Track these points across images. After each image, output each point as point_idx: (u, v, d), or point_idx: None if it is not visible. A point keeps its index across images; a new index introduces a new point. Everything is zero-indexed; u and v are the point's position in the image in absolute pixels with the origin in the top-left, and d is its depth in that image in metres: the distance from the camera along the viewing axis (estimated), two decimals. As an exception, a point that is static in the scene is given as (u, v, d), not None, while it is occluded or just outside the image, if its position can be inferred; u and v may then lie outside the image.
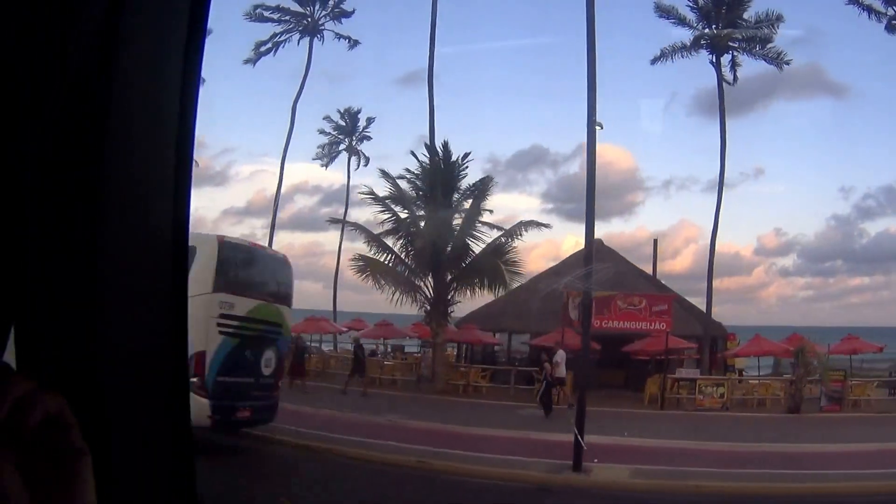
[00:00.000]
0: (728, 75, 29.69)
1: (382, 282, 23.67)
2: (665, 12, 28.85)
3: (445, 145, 28.90)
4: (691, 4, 28.79)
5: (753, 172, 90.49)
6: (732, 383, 22.80)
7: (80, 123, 1.04)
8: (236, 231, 71.76)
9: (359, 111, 41.72)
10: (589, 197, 13.25)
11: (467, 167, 30.61)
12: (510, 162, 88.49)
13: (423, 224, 24.39)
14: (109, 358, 1.10)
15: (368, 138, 42.34)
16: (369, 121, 41.96)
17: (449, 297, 23.96)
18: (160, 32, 1.17)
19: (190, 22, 1.19)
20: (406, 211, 25.09)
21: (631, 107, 75.54)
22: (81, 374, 1.07)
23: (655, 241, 33.73)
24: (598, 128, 13.29)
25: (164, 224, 1.18)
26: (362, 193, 26.58)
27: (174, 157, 1.19)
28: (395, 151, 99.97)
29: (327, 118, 41.75)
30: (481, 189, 25.95)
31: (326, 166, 43.78)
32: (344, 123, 41.63)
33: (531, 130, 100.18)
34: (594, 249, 29.64)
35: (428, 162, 28.97)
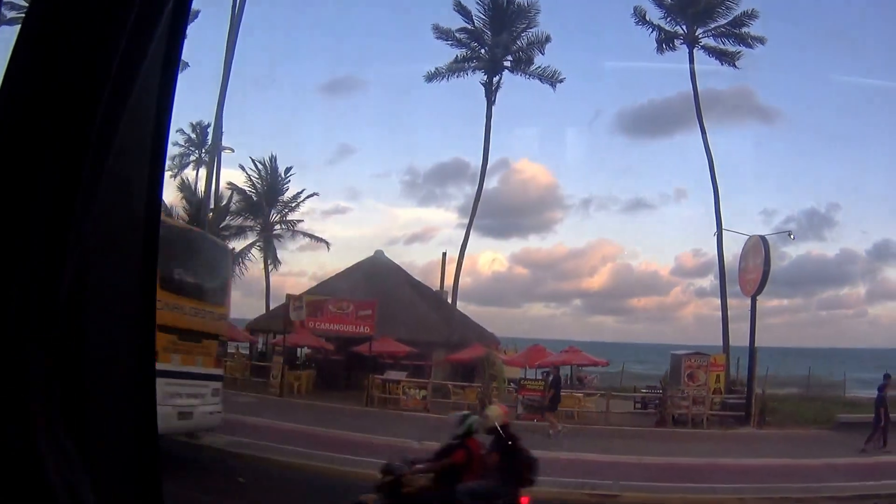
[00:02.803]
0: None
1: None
2: (443, 34, 31.78)
3: (273, 159, 34.37)
4: (468, 25, 31.50)
5: (675, 194, 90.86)
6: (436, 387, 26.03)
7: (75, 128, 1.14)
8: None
9: (208, 125, 44.82)
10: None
11: (290, 180, 35.73)
12: (429, 175, 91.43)
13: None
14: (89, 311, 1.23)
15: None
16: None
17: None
18: (142, 45, 1.24)
19: (169, 34, 1.32)
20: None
21: (554, 124, 76.64)
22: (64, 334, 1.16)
23: (444, 254, 36.87)
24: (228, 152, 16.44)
25: (138, 215, 1.30)
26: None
27: (150, 152, 1.32)
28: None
29: (180, 131, 44.22)
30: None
31: (175, 176, 46.57)
32: (194, 136, 44.25)
33: (453, 144, 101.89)
34: (376, 262, 33.33)
35: (257, 175, 34.03)
